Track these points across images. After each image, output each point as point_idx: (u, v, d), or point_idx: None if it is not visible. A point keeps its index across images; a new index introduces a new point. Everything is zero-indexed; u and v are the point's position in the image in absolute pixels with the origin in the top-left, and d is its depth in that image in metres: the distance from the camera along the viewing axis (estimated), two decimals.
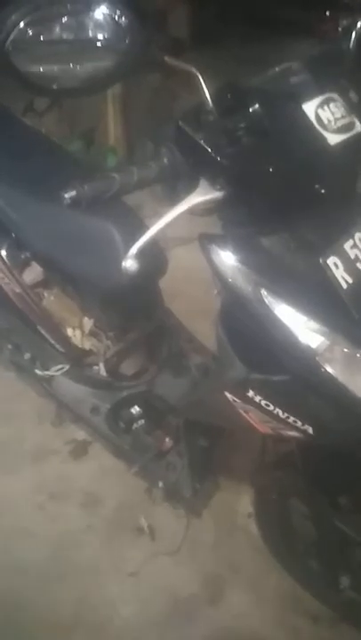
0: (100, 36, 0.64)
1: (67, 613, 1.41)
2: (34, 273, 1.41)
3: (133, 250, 0.70)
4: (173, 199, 0.74)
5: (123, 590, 1.45)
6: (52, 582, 1.46)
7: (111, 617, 1.41)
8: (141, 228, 0.71)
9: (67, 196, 0.67)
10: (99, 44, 0.64)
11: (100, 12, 0.63)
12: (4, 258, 1.35)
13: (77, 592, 1.44)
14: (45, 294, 1.43)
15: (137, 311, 1.42)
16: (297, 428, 0.90)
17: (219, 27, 4.75)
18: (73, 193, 0.67)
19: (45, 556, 1.51)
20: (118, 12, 0.63)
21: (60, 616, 1.40)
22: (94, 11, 0.63)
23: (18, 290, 1.37)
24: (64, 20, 0.62)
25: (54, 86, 0.65)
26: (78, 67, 0.64)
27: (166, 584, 1.46)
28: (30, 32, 0.61)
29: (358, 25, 1.05)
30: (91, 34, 0.64)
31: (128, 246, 0.71)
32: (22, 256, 1.39)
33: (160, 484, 1.45)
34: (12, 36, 0.61)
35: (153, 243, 0.72)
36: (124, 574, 1.47)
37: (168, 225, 0.72)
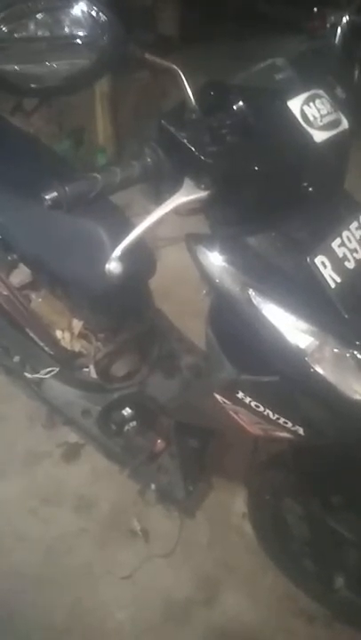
0: (78, 33, 0.62)
1: (61, 617, 1.40)
2: (21, 275, 1.39)
3: (117, 252, 0.69)
4: (158, 199, 0.73)
5: (117, 593, 1.44)
6: (46, 586, 1.45)
7: (106, 620, 1.40)
8: (129, 227, 0.70)
9: (47, 197, 0.66)
10: (77, 40, 0.63)
11: (78, 9, 0.62)
12: None
13: (71, 596, 1.43)
14: (33, 296, 1.41)
15: (127, 312, 1.41)
16: (287, 429, 0.89)
17: (208, 24, 4.74)
18: (54, 194, 0.66)
19: (39, 560, 1.49)
20: (96, 8, 0.62)
21: (54, 620, 1.39)
22: (71, 7, 0.62)
23: (5, 292, 1.35)
24: (39, 16, 0.61)
25: (32, 85, 0.63)
26: (56, 64, 0.62)
27: (161, 586, 1.45)
28: (4, 29, 0.59)
29: (344, 20, 1.04)
30: (67, 31, 0.62)
31: (115, 246, 0.70)
32: (9, 258, 1.37)
33: (153, 486, 1.45)
34: None
35: (141, 243, 0.71)
36: (118, 577, 1.46)
37: (155, 225, 0.70)
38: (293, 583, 1.37)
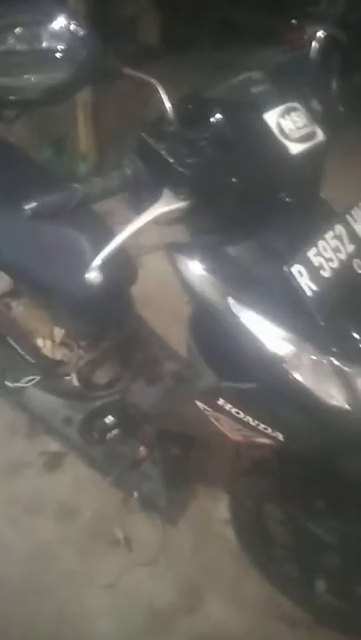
0: (56, 47, 0.63)
1: (44, 627, 1.38)
2: (2, 283, 1.39)
3: (97, 261, 0.70)
4: (138, 209, 0.74)
5: (100, 602, 1.43)
6: (29, 596, 1.43)
7: (89, 630, 1.39)
8: (110, 235, 0.71)
9: (27, 207, 0.66)
10: (55, 54, 0.64)
11: (57, 23, 0.63)
12: None
13: (54, 606, 1.42)
14: (14, 304, 1.41)
15: (108, 320, 1.41)
16: (267, 435, 0.90)
17: (189, 33, 4.79)
18: (33, 204, 0.66)
19: (21, 570, 1.48)
20: (75, 22, 0.63)
21: (36, 630, 1.38)
22: (50, 22, 0.62)
23: None
24: (17, 30, 0.62)
25: (11, 97, 0.64)
26: (34, 77, 0.63)
27: (144, 594, 1.44)
28: None
29: (318, 35, 1.07)
30: (46, 44, 0.63)
31: (95, 255, 0.70)
32: None
33: (135, 493, 1.45)
34: None
35: (122, 251, 0.71)
36: (101, 586, 1.45)
37: (135, 234, 0.71)
38: (276, 588, 1.37)
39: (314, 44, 1.36)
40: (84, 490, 1.62)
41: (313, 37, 1.43)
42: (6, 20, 0.61)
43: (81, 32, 0.63)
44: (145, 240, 0.77)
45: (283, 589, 1.36)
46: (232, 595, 1.44)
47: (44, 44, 0.63)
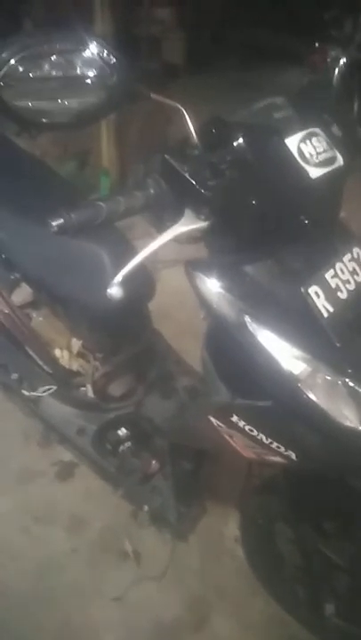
0: (88, 74, 0.67)
1: (49, 637, 1.39)
2: (23, 294, 1.42)
3: (118, 277, 0.72)
4: (159, 228, 0.76)
5: (106, 615, 1.43)
6: (36, 606, 1.44)
7: None
8: (130, 251, 0.73)
9: (54, 223, 0.68)
10: (87, 80, 0.67)
11: (89, 51, 0.66)
12: None
13: (61, 617, 1.42)
14: (34, 315, 1.43)
15: (125, 333, 1.43)
16: (280, 454, 0.90)
17: (212, 53, 4.88)
18: (60, 221, 0.68)
19: (29, 579, 1.49)
20: (106, 50, 0.66)
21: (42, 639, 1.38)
22: (83, 50, 0.66)
23: (6, 310, 1.38)
24: (53, 58, 0.65)
25: (44, 120, 0.67)
26: (67, 102, 0.66)
27: (151, 609, 1.44)
28: (21, 69, 0.63)
29: (341, 62, 1.09)
30: (79, 71, 0.66)
31: (116, 270, 0.73)
32: (12, 277, 1.40)
33: (146, 507, 1.45)
34: (2, 72, 0.63)
35: (141, 266, 0.74)
36: (108, 599, 1.45)
37: (155, 251, 0.73)
38: (284, 609, 1.36)
39: (336, 68, 1.39)
40: (95, 501, 1.63)
41: (335, 61, 1.45)
42: (43, 47, 0.65)
43: (112, 60, 0.66)
44: (163, 255, 0.79)
45: (291, 610, 1.35)
46: (239, 613, 1.43)
47: (77, 71, 0.66)
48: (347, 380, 0.78)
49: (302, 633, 1.34)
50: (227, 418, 0.93)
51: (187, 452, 1.42)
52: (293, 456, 0.89)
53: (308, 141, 0.78)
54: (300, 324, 0.79)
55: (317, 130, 0.81)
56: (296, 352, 0.79)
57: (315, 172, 0.76)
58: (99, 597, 1.46)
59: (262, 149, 0.74)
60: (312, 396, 0.78)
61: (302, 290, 0.77)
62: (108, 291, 0.72)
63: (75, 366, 1.45)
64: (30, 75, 0.64)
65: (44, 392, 1.46)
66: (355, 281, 0.81)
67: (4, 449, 1.77)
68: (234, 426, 0.93)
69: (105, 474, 1.52)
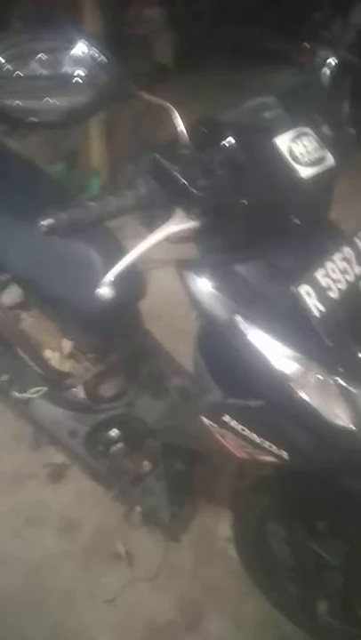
0: (77, 72, 0.66)
1: None
2: (13, 294, 1.41)
3: (109, 277, 0.71)
4: (150, 228, 0.76)
5: (99, 617, 1.42)
6: (28, 608, 1.43)
7: None
8: (120, 251, 0.73)
9: (44, 223, 0.68)
10: (76, 79, 0.66)
11: (78, 49, 0.65)
12: None
13: (53, 619, 1.41)
14: (24, 316, 1.43)
15: (116, 333, 1.42)
16: (272, 453, 0.90)
17: (203, 53, 4.88)
18: (50, 221, 0.68)
19: (21, 582, 1.48)
20: (95, 49, 0.65)
21: None
22: (72, 48, 0.65)
23: None
24: (42, 56, 0.64)
25: (32, 119, 0.66)
26: (56, 101, 0.66)
27: (143, 611, 1.43)
28: (8, 67, 0.63)
29: (330, 62, 1.09)
30: (68, 70, 0.66)
31: (106, 270, 0.72)
32: (1, 277, 1.39)
33: (138, 508, 1.44)
34: None
35: (132, 266, 0.73)
36: (101, 601, 1.44)
37: (146, 251, 0.73)
38: (277, 608, 1.36)
39: (325, 68, 1.39)
40: (87, 503, 1.62)
41: (324, 61, 1.46)
42: (30, 45, 0.64)
43: (101, 58, 0.66)
44: (155, 255, 0.79)
45: (283, 609, 1.35)
46: (232, 613, 1.43)
47: (66, 69, 0.66)
48: (338, 379, 0.78)
49: (296, 632, 1.35)
50: (219, 418, 0.93)
51: (179, 452, 1.42)
52: (285, 455, 0.89)
53: (298, 141, 0.78)
54: (292, 324, 0.79)
55: (308, 129, 0.81)
56: (288, 351, 0.79)
57: (305, 172, 0.76)
58: (91, 599, 1.45)
59: (253, 149, 0.74)
60: (304, 396, 0.78)
61: (293, 289, 0.77)
62: (99, 291, 0.71)
63: (66, 367, 1.44)
64: (19, 73, 0.64)
65: (34, 393, 1.45)
66: (345, 280, 0.81)
67: None
68: (226, 426, 0.93)
69: (97, 475, 1.51)
